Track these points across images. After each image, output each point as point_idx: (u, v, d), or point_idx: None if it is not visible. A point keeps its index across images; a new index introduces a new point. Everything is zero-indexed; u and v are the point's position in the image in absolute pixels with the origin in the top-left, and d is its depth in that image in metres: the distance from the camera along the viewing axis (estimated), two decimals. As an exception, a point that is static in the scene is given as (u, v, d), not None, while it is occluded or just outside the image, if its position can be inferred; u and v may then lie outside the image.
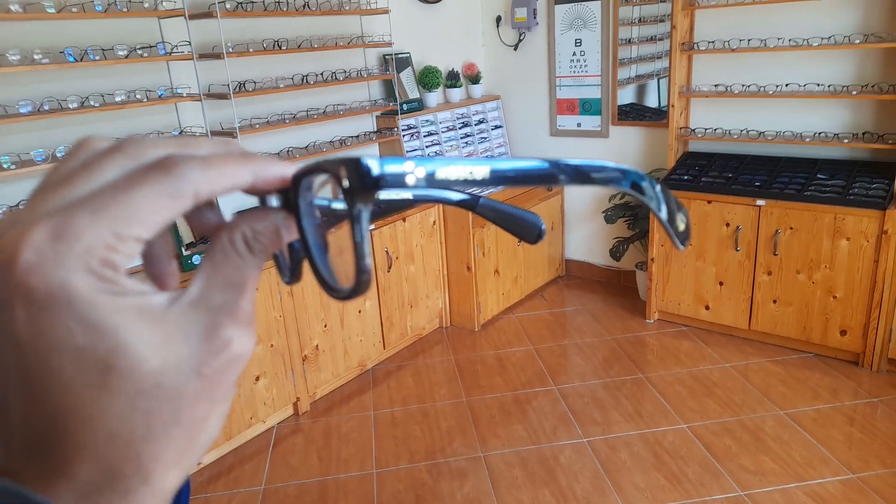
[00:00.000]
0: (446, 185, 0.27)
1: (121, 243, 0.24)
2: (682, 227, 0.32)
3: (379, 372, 3.49)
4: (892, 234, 2.97)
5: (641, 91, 4.28)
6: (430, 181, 0.26)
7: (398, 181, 0.26)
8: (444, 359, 3.59)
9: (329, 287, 0.29)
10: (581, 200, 4.44)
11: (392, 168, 0.26)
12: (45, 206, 0.24)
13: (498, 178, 0.27)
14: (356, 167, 0.26)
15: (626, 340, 3.67)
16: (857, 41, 3.15)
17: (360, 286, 0.27)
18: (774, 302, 3.38)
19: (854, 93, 3.24)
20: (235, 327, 0.26)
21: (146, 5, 2.66)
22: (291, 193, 0.29)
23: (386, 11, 3.57)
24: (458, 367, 3.50)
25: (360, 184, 0.26)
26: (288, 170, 0.29)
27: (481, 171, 0.26)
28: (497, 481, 2.59)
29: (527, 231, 0.41)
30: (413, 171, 0.26)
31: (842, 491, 2.41)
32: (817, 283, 3.23)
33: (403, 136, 3.89)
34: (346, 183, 0.26)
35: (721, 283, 3.54)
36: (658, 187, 0.30)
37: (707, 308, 3.62)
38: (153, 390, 0.24)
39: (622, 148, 4.20)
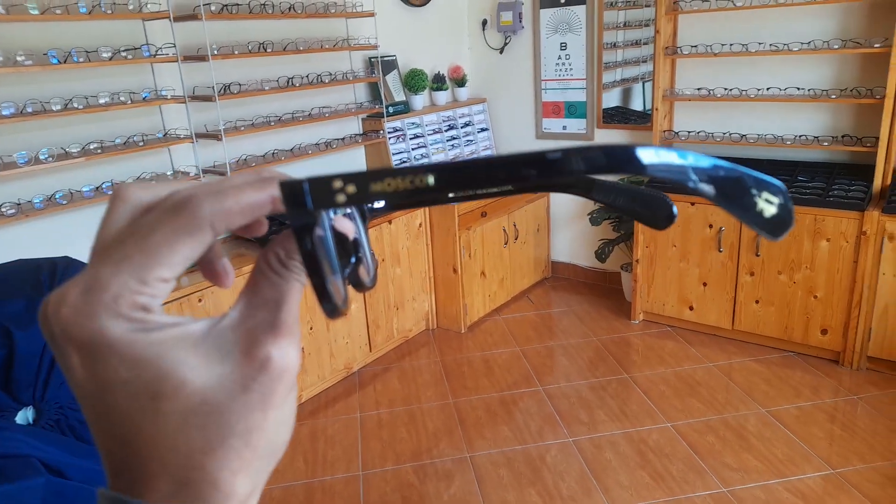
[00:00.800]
0: (385, 198, 0.26)
1: (145, 287, 0.26)
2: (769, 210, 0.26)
3: (365, 374, 3.49)
4: (870, 235, 3.02)
5: (627, 94, 4.32)
6: (362, 196, 0.26)
7: (327, 200, 0.26)
8: (430, 361, 3.60)
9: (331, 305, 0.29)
10: (566, 202, 4.47)
11: (318, 186, 0.26)
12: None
13: (447, 181, 0.26)
14: (291, 188, 0.27)
15: (611, 341, 3.69)
16: (836, 46, 3.20)
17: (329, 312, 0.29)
18: (757, 302, 3.42)
19: (833, 97, 3.30)
20: (275, 342, 0.28)
21: (131, 7, 2.65)
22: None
23: (372, 14, 3.58)
24: (444, 368, 3.51)
25: (292, 204, 0.27)
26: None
27: (424, 178, 0.26)
28: (483, 481, 2.60)
29: (657, 212, 0.36)
30: (343, 189, 0.26)
31: (822, 486, 2.44)
32: (798, 283, 3.27)
33: (389, 138, 3.90)
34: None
35: (705, 284, 3.58)
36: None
37: (691, 308, 3.66)
38: (201, 407, 0.26)
39: (607, 150, 4.23)
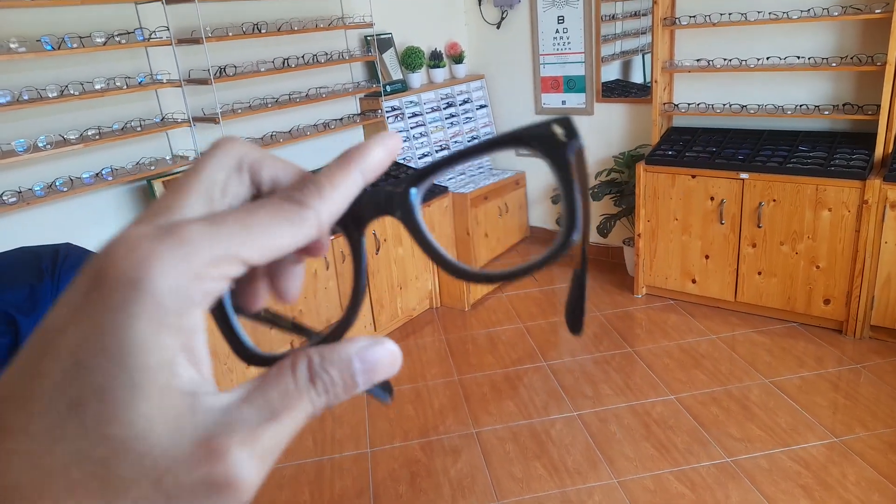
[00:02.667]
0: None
1: (224, 263, 0.22)
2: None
3: (370, 354, 3.51)
4: (872, 204, 3.02)
5: (627, 67, 4.28)
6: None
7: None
8: (435, 339, 3.62)
9: (513, 274, 0.28)
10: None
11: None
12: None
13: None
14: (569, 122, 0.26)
15: (614, 315, 3.71)
16: (836, 13, 3.16)
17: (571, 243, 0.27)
18: (759, 274, 3.42)
19: (833, 65, 3.27)
20: (240, 448, 0.21)
21: (123, -10, 2.63)
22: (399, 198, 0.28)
23: (366, -8, 3.54)
24: (449, 346, 3.53)
25: (574, 135, 0.26)
26: (392, 141, 0.27)
27: None
28: (489, 456, 2.63)
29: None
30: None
31: (825, 454, 2.46)
32: (801, 253, 3.27)
33: (388, 117, 3.88)
34: (562, 137, 0.26)
35: (707, 257, 3.58)
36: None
37: (694, 282, 3.66)
38: (96, 466, 0.19)
39: (607, 125, 4.21)
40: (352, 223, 0.27)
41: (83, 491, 0.19)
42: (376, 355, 0.24)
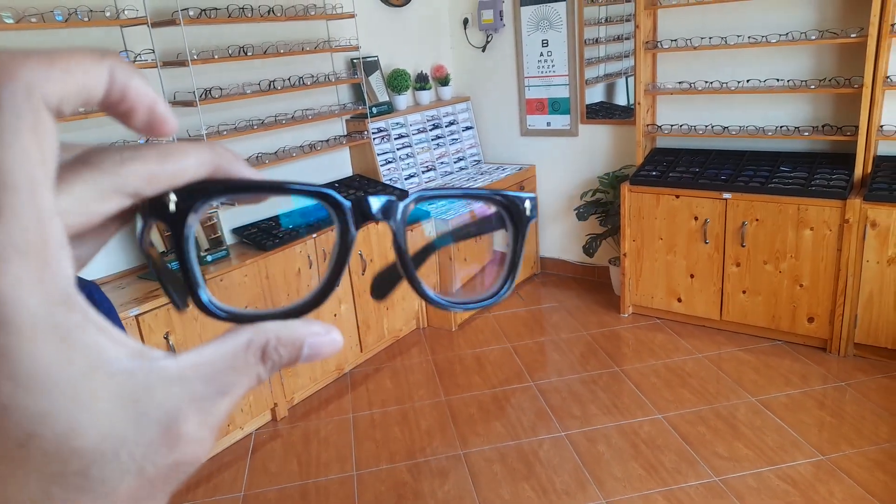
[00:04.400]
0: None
1: (49, 225, 0.19)
2: None
3: (357, 375, 3.49)
4: (853, 223, 3.06)
5: (611, 89, 4.34)
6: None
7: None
8: (422, 360, 3.60)
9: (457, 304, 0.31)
10: (553, 199, 4.49)
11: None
12: None
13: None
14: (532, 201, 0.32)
15: (601, 335, 3.71)
16: (813, 37, 3.23)
17: (507, 289, 0.32)
18: (744, 292, 3.45)
19: (812, 87, 3.33)
20: (201, 429, 0.21)
21: (108, 14, 2.64)
22: (399, 207, 0.28)
23: (352, 16, 3.58)
24: (436, 367, 3.51)
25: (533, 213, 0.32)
26: (163, 108, 0.23)
27: None
28: (477, 478, 2.60)
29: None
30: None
31: (813, 473, 2.46)
32: (784, 272, 3.30)
33: (374, 139, 3.90)
34: (528, 212, 0.31)
35: (692, 276, 3.60)
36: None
37: (679, 300, 3.68)
38: (75, 478, 0.18)
39: (591, 146, 4.26)
40: (359, 216, 0.27)
41: (76, 501, 0.19)
42: (323, 345, 0.25)
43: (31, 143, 0.18)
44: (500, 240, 0.32)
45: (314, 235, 3.25)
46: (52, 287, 0.18)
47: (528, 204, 0.31)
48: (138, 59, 2.76)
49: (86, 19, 2.54)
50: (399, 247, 0.29)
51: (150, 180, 0.22)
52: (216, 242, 3.05)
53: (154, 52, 2.80)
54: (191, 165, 0.23)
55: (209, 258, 2.99)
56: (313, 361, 0.25)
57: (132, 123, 0.23)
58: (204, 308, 0.26)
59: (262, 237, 3.18)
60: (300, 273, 3.19)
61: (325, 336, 0.25)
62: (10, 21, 2.36)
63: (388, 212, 0.28)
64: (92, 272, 2.74)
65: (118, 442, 0.19)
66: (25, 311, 0.18)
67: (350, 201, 0.27)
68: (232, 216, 3.27)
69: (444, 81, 4.46)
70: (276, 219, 3.46)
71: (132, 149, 0.22)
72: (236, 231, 3.28)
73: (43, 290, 0.18)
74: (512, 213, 0.31)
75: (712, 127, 3.67)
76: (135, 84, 0.22)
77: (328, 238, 3.30)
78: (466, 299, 0.32)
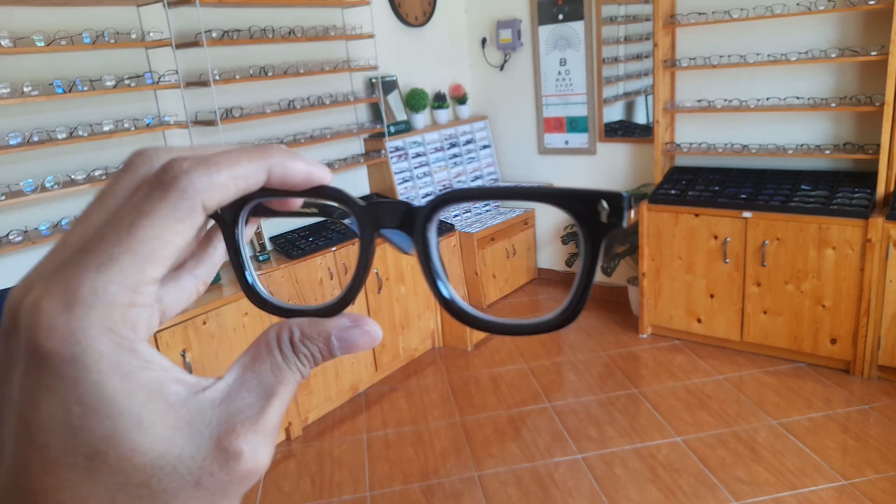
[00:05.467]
0: None
1: (137, 295, 0.22)
2: None
3: (372, 394, 3.48)
4: (875, 242, 3.00)
5: (630, 108, 4.34)
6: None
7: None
8: (437, 379, 3.59)
9: (500, 326, 0.27)
10: (568, 218, 4.47)
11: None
12: (62, 257, 0.23)
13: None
14: (619, 201, 0.24)
15: (619, 356, 3.67)
16: (834, 55, 3.21)
17: (575, 316, 0.26)
18: (765, 313, 3.40)
19: (833, 105, 3.29)
20: (251, 437, 0.23)
21: (133, 36, 2.70)
22: (421, 215, 0.27)
23: (371, 36, 3.63)
24: (451, 387, 3.49)
25: (619, 219, 0.24)
26: (318, 171, 0.26)
27: None
28: (491, 500, 2.57)
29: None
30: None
31: (835, 498, 2.40)
32: (806, 292, 3.25)
33: (391, 157, 3.93)
34: (603, 217, 0.24)
35: (712, 296, 3.55)
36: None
37: (699, 321, 3.63)
38: (139, 488, 0.21)
39: (610, 164, 4.24)
40: (369, 226, 0.27)
41: None
42: (355, 337, 0.26)
43: (168, 227, 0.22)
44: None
45: (333, 249, 3.28)
46: (122, 338, 0.22)
47: (604, 205, 0.24)
48: (162, 79, 2.83)
49: (112, 41, 2.60)
50: (426, 259, 0.27)
51: (215, 195, 0.24)
52: (261, 247, 3.26)
53: (178, 72, 2.86)
54: (249, 172, 0.25)
55: (260, 257, 3.20)
56: (352, 353, 0.27)
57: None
58: (248, 288, 0.28)
59: (288, 247, 3.30)
60: (322, 283, 3.23)
61: (355, 328, 0.26)
62: (42, 44, 2.43)
63: (405, 225, 0.27)
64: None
65: (175, 459, 0.22)
66: (95, 352, 0.21)
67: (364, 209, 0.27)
68: (273, 224, 3.40)
69: (461, 100, 4.49)
70: (303, 230, 3.53)
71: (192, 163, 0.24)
72: (272, 239, 3.42)
73: (113, 339, 0.21)
74: (580, 218, 0.24)
75: (732, 145, 3.64)
76: (290, 170, 0.25)
77: (348, 252, 3.32)
78: (520, 322, 0.26)
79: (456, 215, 4.21)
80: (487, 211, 4.44)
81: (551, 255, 4.72)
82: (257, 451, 0.23)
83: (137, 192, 0.23)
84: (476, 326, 0.27)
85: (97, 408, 0.21)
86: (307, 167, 0.26)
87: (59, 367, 0.21)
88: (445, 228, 3.85)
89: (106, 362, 0.21)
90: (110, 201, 0.24)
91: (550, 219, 4.56)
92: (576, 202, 0.24)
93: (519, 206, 4.47)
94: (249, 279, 0.28)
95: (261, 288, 0.28)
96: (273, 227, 3.43)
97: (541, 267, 4.78)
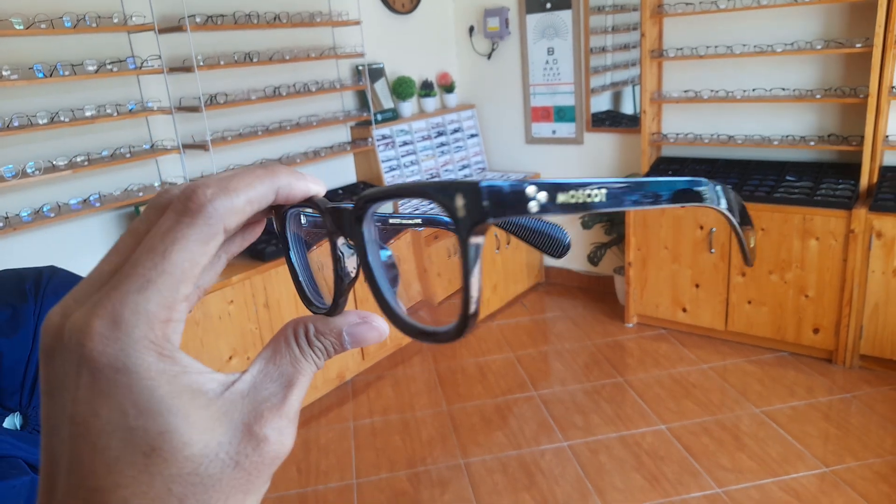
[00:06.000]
0: (564, 209, 0.23)
1: (173, 312, 0.25)
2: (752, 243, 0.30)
3: (358, 383, 3.48)
4: (858, 233, 3.04)
5: (617, 98, 4.34)
6: (550, 207, 0.23)
7: (518, 208, 0.22)
8: (424, 368, 3.59)
9: (410, 327, 0.26)
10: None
11: (513, 192, 0.22)
12: (99, 282, 0.26)
13: (615, 199, 0.24)
14: (475, 193, 0.22)
15: (605, 345, 3.69)
16: (819, 47, 3.22)
17: (465, 327, 0.24)
18: (749, 303, 3.43)
19: (818, 97, 3.32)
20: (276, 422, 0.26)
21: (115, 20, 2.66)
22: (348, 217, 0.28)
23: (357, 23, 3.59)
24: (438, 376, 3.50)
25: (479, 213, 0.22)
26: (313, 185, 0.30)
27: (598, 192, 0.24)
28: (478, 487, 2.58)
29: (553, 245, 0.38)
30: (535, 196, 0.22)
31: (816, 485, 2.44)
32: (789, 282, 3.28)
33: (378, 146, 3.91)
34: (460, 212, 0.22)
35: (697, 286, 3.58)
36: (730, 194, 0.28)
37: (684, 310, 3.66)
38: (190, 476, 0.24)
39: (597, 154, 4.25)
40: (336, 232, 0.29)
41: (192, 495, 0.25)
42: (363, 332, 0.30)
43: (196, 251, 0.25)
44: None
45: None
46: (163, 349, 0.25)
47: (460, 200, 0.22)
48: (145, 64, 2.78)
49: (94, 25, 2.55)
50: (362, 259, 0.28)
51: (233, 220, 0.27)
52: None
53: (161, 57, 2.82)
54: (262, 195, 0.28)
55: None
56: (362, 346, 0.30)
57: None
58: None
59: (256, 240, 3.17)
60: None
61: (363, 325, 0.30)
62: (21, 27, 2.38)
63: (336, 228, 0.29)
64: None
65: (217, 446, 0.25)
66: (143, 364, 0.24)
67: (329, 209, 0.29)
68: None
69: (449, 89, 4.47)
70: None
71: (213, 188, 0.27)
72: None
73: (156, 350, 0.24)
74: (450, 213, 0.23)
75: (718, 136, 3.66)
76: (296, 189, 0.29)
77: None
78: (422, 326, 0.26)
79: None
80: (467, 177, 4.42)
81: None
82: (283, 433, 0.26)
83: (165, 219, 0.26)
84: (398, 325, 0.27)
85: (150, 409, 0.24)
86: (307, 185, 0.29)
87: (113, 377, 0.24)
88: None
89: (153, 370, 0.24)
90: (142, 228, 0.27)
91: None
92: (440, 195, 0.23)
93: (519, 170, 4.43)
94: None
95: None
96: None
97: (548, 265, 4.66)
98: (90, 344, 0.24)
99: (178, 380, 0.25)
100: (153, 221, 0.27)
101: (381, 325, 0.30)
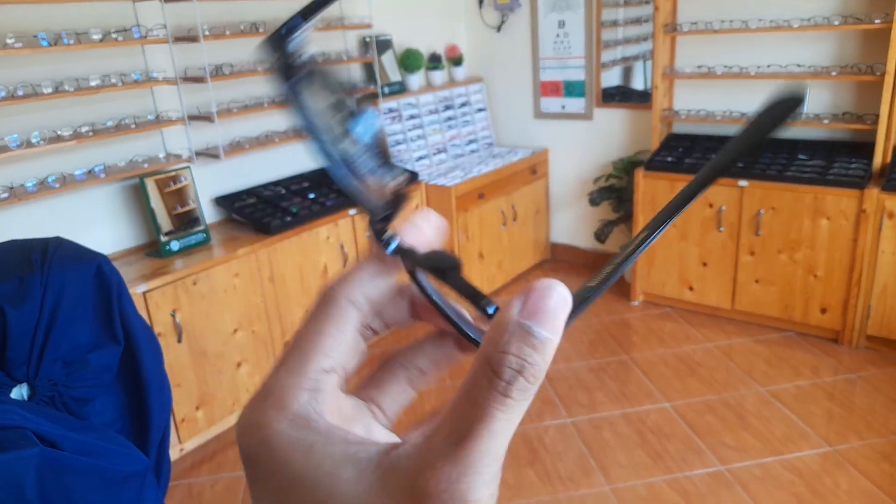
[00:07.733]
0: None
1: (302, 380, 0.26)
2: None
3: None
4: (870, 213, 3.00)
5: (628, 73, 4.27)
6: None
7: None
8: (429, 343, 3.59)
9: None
10: (566, 184, 4.44)
11: None
12: None
13: None
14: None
15: (611, 322, 3.69)
16: (836, 22, 3.15)
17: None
18: (757, 282, 3.41)
19: (833, 74, 3.25)
20: (446, 475, 0.22)
21: (120, -13, 2.61)
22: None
23: (366, -7, 3.53)
24: (443, 350, 3.50)
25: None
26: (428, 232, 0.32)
27: None
28: (481, 462, 2.60)
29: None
30: None
31: (819, 464, 2.44)
32: (798, 262, 3.26)
33: (385, 119, 3.87)
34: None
35: (705, 264, 3.56)
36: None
37: (691, 289, 3.65)
38: None
39: (606, 130, 4.20)
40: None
41: None
42: (540, 303, 0.23)
43: (328, 329, 0.27)
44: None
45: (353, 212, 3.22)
46: (296, 418, 0.25)
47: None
48: (150, 34, 2.75)
49: (97, -7, 2.52)
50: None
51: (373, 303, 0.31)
52: (186, 220, 2.85)
53: (166, 27, 2.78)
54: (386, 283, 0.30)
55: (172, 245, 2.76)
56: (559, 329, 0.24)
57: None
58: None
59: (262, 213, 3.13)
60: (327, 272, 3.17)
61: (537, 294, 0.23)
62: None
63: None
64: (101, 247, 2.75)
65: None
66: (275, 432, 0.24)
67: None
68: (211, 177, 3.19)
69: (457, 62, 4.41)
70: (286, 182, 3.31)
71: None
72: (222, 202, 3.23)
73: (287, 419, 0.25)
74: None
75: (730, 112, 3.60)
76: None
77: (349, 223, 3.28)
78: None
79: (422, 158, 4.12)
80: (474, 152, 4.34)
81: (572, 224, 4.57)
82: (455, 490, 0.21)
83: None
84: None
85: (290, 485, 0.24)
86: (433, 236, 0.31)
87: (254, 457, 0.25)
88: (406, 175, 3.80)
89: (285, 439, 0.24)
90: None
91: (572, 163, 4.43)
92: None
93: (526, 146, 4.30)
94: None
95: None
96: (217, 187, 3.33)
97: (555, 242, 4.66)
98: (239, 422, 0.26)
99: (315, 449, 0.24)
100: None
101: (562, 290, 0.23)
